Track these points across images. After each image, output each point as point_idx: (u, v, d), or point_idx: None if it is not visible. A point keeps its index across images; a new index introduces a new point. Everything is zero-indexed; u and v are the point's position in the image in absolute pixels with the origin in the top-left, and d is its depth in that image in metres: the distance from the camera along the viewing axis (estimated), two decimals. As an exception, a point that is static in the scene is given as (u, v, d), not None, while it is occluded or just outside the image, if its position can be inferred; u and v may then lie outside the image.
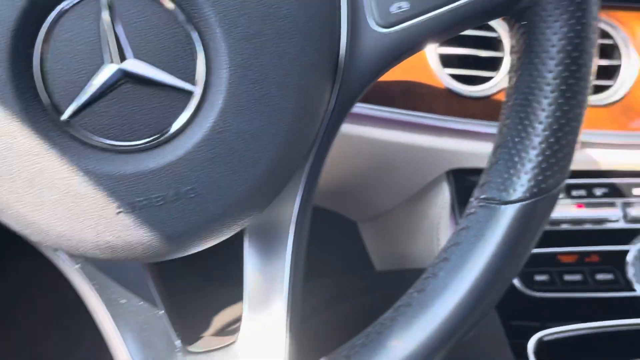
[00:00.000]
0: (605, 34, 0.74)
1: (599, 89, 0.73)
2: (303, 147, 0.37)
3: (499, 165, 0.41)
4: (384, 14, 0.37)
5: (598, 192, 0.75)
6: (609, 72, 0.74)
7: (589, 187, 0.75)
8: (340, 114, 0.39)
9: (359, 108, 0.71)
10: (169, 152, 0.33)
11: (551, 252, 0.74)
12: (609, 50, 0.75)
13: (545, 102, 0.38)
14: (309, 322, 0.75)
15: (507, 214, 0.40)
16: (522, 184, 0.39)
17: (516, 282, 0.73)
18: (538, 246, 0.73)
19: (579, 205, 0.74)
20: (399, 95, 0.71)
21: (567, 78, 0.38)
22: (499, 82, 0.71)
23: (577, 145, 0.41)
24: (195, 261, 0.47)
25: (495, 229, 0.40)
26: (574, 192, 0.75)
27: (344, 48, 0.37)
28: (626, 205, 0.75)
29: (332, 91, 0.37)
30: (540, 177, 0.39)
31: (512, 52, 0.40)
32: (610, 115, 0.73)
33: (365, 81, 0.38)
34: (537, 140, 0.39)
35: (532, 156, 0.39)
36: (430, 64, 0.71)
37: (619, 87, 0.73)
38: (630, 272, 0.74)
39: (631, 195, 0.76)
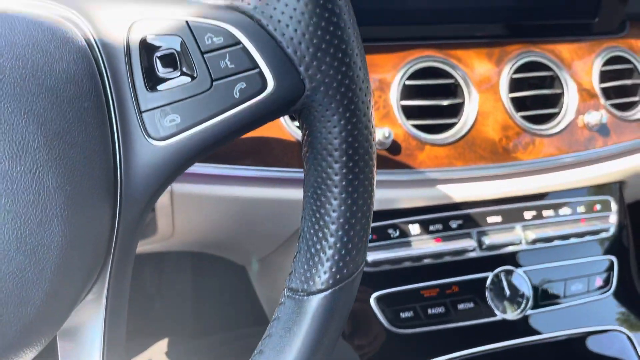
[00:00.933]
0: (446, 74, 0.77)
1: (445, 128, 0.77)
2: (83, 274, 0.36)
3: (300, 255, 0.42)
4: (157, 127, 0.37)
5: (453, 224, 0.78)
6: (455, 110, 0.78)
7: (445, 221, 0.78)
8: (131, 228, 0.38)
9: (214, 169, 0.70)
10: None
11: (414, 288, 0.76)
12: (453, 89, 0.78)
13: (330, 196, 0.39)
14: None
15: (311, 306, 0.40)
16: (319, 276, 0.40)
17: (384, 321, 0.75)
18: (402, 284, 0.77)
19: (437, 240, 0.77)
20: (253, 152, 0.71)
21: (347, 174, 0.39)
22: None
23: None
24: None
25: (300, 321, 0.41)
26: (432, 227, 0.78)
27: (120, 166, 0.36)
28: (480, 234, 0.79)
29: (114, 209, 0.37)
30: (334, 269, 0.40)
31: (302, 144, 0.41)
32: (456, 151, 0.76)
33: (150, 194, 0.38)
34: (328, 233, 0.40)
35: (326, 249, 0.40)
36: (280, 118, 0.72)
37: (464, 124, 0.77)
38: (489, 298, 0.78)
39: (485, 224, 0.79)
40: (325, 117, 0.38)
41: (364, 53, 0.39)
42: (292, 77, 0.37)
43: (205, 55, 0.36)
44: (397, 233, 0.77)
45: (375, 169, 0.41)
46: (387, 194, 0.76)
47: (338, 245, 0.40)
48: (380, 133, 0.72)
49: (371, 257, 0.75)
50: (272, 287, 0.95)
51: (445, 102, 0.76)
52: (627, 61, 0.86)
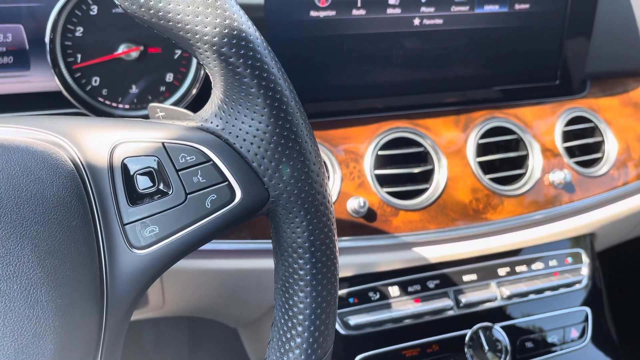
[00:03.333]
0: (416, 143, 0.82)
1: (418, 193, 0.81)
2: None
3: (273, 342, 0.45)
4: (138, 238, 0.41)
5: (431, 284, 0.82)
6: (426, 176, 0.82)
7: (422, 281, 0.82)
8: (117, 327, 0.42)
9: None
10: None
11: (396, 348, 0.79)
12: (423, 155, 0.83)
13: (297, 289, 0.44)
14: None
15: None
16: None
17: (367, 383, 0.78)
18: (385, 345, 0.80)
19: (416, 300, 0.81)
20: (240, 227, 0.75)
21: (311, 269, 0.43)
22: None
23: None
24: None
25: None
26: (410, 288, 0.82)
27: (105, 275, 0.40)
28: (457, 292, 0.83)
29: (101, 313, 0.41)
30: (303, 356, 0.44)
31: (272, 241, 0.46)
32: (429, 215, 0.80)
33: (133, 297, 0.42)
34: (296, 322, 0.44)
35: (295, 337, 0.44)
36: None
37: (435, 189, 0.81)
38: (469, 354, 0.81)
39: (461, 283, 0.83)
40: (288, 219, 0.43)
41: (321, 159, 0.44)
42: (257, 187, 0.42)
43: (179, 173, 0.41)
44: (378, 296, 0.81)
45: (337, 261, 0.45)
46: (365, 259, 0.80)
47: (306, 334, 0.44)
48: (356, 202, 0.77)
49: (353, 320, 0.78)
50: (262, 349, 0.98)
51: (416, 170, 0.81)
52: (588, 120, 0.92)
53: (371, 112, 0.83)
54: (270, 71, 0.41)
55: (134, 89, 0.75)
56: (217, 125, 0.42)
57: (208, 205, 0.41)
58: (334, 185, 0.78)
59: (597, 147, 0.91)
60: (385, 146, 0.81)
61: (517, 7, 0.85)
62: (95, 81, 0.73)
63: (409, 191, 0.81)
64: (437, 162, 0.82)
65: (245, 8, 0.67)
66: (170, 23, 0.40)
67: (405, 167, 0.81)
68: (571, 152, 0.89)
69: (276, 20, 0.75)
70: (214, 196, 0.41)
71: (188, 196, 0.41)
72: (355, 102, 0.83)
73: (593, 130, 0.92)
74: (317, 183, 0.43)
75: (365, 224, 0.78)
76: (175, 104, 0.75)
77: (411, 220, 0.80)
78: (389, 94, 0.84)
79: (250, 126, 0.41)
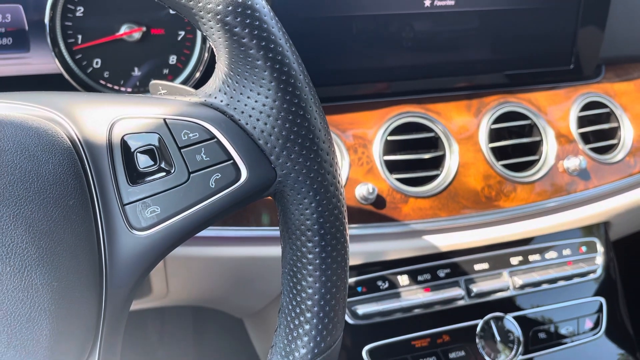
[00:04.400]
0: (426, 128, 0.80)
1: (428, 180, 0.79)
2: (72, 356, 0.38)
3: (280, 330, 0.43)
4: (139, 219, 0.39)
5: (441, 273, 0.80)
6: (437, 162, 0.80)
7: (432, 270, 0.80)
8: (117, 313, 0.40)
9: (206, 231, 0.72)
10: None
11: (405, 339, 0.77)
12: (434, 141, 0.81)
13: (306, 273, 0.41)
14: None
15: None
16: (298, 351, 0.42)
17: (376, 375, 0.76)
18: (393, 335, 0.78)
19: (426, 289, 0.79)
20: (242, 213, 0.73)
21: (320, 252, 0.41)
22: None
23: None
24: None
25: None
26: (420, 277, 0.79)
27: (104, 258, 0.39)
28: (468, 282, 0.80)
29: (100, 298, 0.39)
30: (312, 344, 0.42)
31: (279, 223, 0.43)
32: (440, 203, 0.78)
33: (134, 281, 0.40)
34: (305, 309, 0.42)
35: (304, 324, 0.42)
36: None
37: (446, 176, 0.79)
38: (480, 345, 0.79)
39: (472, 272, 0.81)
40: (297, 200, 0.40)
41: (331, 137, 0.42)
42: (264, 166, 0.40)
43: (182, 150, 0.39)
44: (387, 284, 0.78)
45: (347, 245, 0.43)
46: (374, 247, 0.78)
47: (315, 320, 0.41)
48: (364, 189, 0.74)
49: (362, 310, 0.76)
50: (268, 339, 0.96)
51: (426, 156, 0.79)
52: (604, 105, 0.89)
53: (380, 97, 0.81)
54: (277, 42, 0.38)
55: (137, 72, 0.73)
56: (221, 101, 0.40)
57: (212, 184, 0.39)
58: (341, 171, 0.76)
59: (613, 133, 0.89)
60: (395, 131, 0.79)
61: (532, -13, 0.82)
62: (97, 63, 0.71)
63: (419, 178, 0.79)
64: (448, 147, 0.80)
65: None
66: None
67: (416, 153, 0.79)
68: (586, 138, 0.87)
69: None
70: (218, 175, 0.39)
71: (191, 175, 0.39)
72: (364, 86, 0.80)
73: (608, 116, 0.89)
74: (327, 162, 0.40)
75: (374, 211, 0.76)
76: (179, 86, 0.73)
77: (421, 208, 0.77)
78: (398, 78, 0.81)
79: (256, 101, 0.39)
